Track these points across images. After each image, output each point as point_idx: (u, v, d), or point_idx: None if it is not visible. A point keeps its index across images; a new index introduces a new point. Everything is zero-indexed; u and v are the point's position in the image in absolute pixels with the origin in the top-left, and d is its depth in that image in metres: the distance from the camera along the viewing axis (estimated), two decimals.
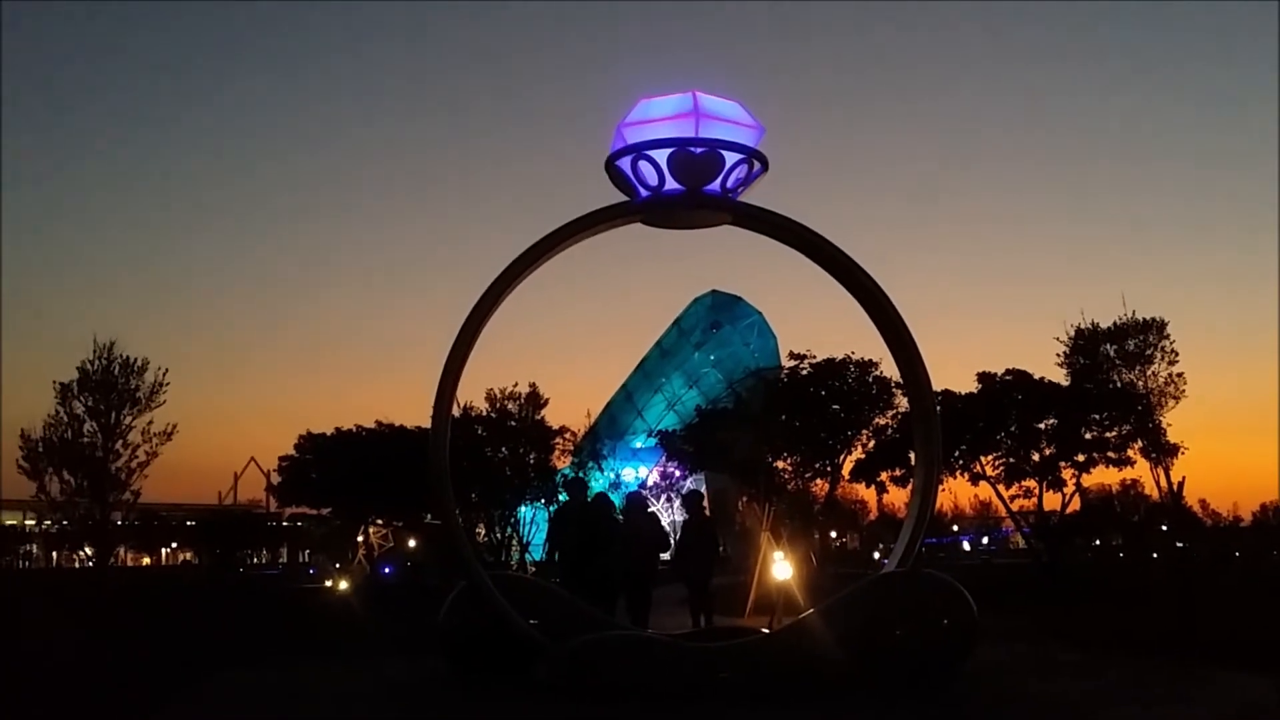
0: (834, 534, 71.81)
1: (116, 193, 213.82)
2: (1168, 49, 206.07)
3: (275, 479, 49.69)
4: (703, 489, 44.98)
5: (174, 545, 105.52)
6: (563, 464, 44.25)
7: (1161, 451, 34.14)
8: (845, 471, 32.43)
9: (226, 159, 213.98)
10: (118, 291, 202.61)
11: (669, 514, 57.31)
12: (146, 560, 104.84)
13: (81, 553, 75.01)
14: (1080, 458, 30.15)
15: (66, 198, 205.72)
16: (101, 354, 39.93)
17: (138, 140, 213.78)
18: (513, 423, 42.02)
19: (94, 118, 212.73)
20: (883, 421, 30.42)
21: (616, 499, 20.79)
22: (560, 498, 38.52)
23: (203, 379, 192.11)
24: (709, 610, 14.85)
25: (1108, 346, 35.02)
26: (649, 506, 16.59)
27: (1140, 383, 34.39)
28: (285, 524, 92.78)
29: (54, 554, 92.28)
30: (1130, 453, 31.25)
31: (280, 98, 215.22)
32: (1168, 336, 35.12)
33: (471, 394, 42.98)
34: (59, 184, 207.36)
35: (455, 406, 27.27)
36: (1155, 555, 50.96)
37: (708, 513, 17.66)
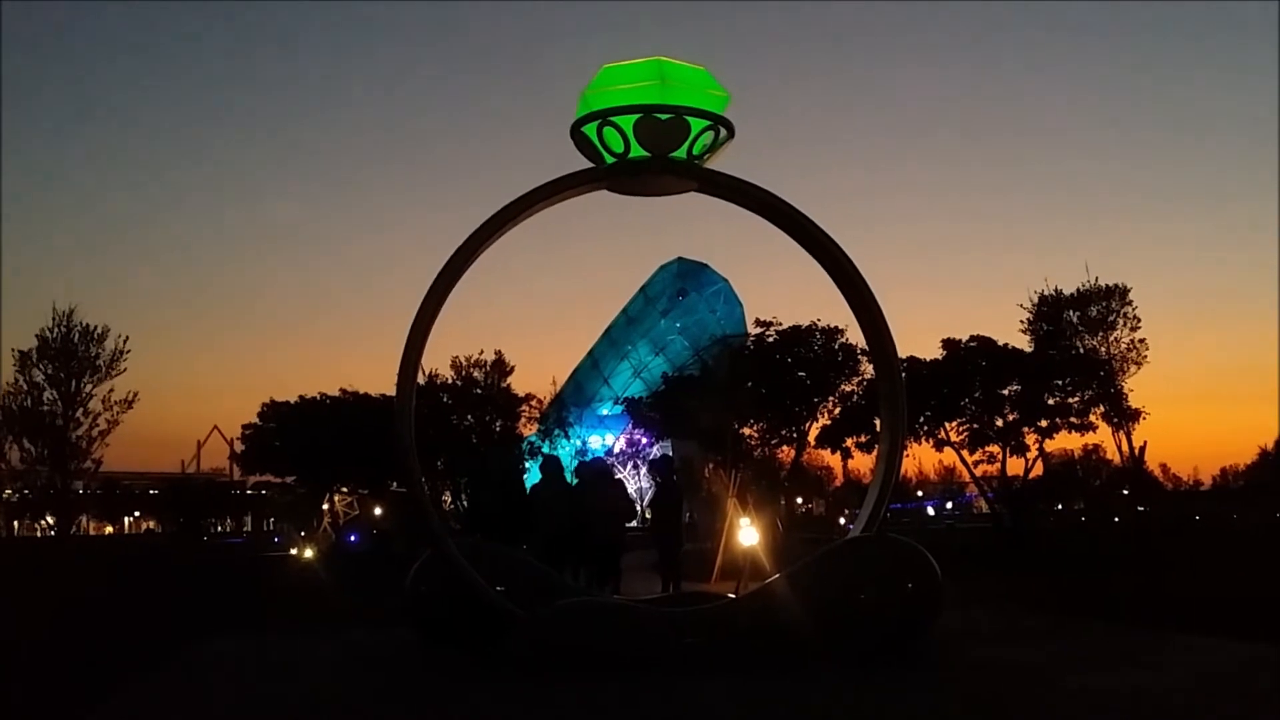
0: (800, 499, 72.23)
1: (80, 161, 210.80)
2: (1130, 19, 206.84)
3: (239, 447, 49.56)
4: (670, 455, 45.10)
5: (137, 514, 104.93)
6: (529, 431, 44.34)
7: (1123, 417, 34.58)
8: (811, 438, 32.64)
9: (193, 130, 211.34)
10: (79, 258, 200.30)
11: (635, 480, 57.47)
12: (109, 529, 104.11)
13: (43, 522, 74.46)
14: (1043, 423, 30.48)
15: (28, 165, 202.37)
16: (61, 321, 39.63)
17: (103, 109, 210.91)
18: (478, 390, 42.00)
19: (59, 87, 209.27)
20: (848, 388, 30.61)
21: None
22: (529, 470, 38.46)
23: (165, 347, 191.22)
24: (677, 576, 14.92)
25: (1071, 313, 35.39)
26: (615, 474, 16.57)
27: (1103, 349, 34.78)
28: (249, 492, 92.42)
29: (14, 523, 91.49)
30: (1092, 418, 31.64)
31: (249, 72, 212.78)
32: (1130, 303, 35.59)
33: (437, 362, 42.95)
34: (20, 151, 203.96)
35: (421, 375, 27.14)
36: (1117, 519, 51.54)
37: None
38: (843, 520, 63.33)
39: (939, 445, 31.59)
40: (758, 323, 31.45)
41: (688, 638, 9.62)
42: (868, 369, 28.57)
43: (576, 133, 10.51)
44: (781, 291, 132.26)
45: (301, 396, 43.67)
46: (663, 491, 15.72)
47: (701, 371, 36.95)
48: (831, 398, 30.89)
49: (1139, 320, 35.52)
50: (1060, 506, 66.76)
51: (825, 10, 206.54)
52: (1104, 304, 35.34)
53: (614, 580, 13.76)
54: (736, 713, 7.68)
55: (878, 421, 21.99)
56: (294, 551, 34.07)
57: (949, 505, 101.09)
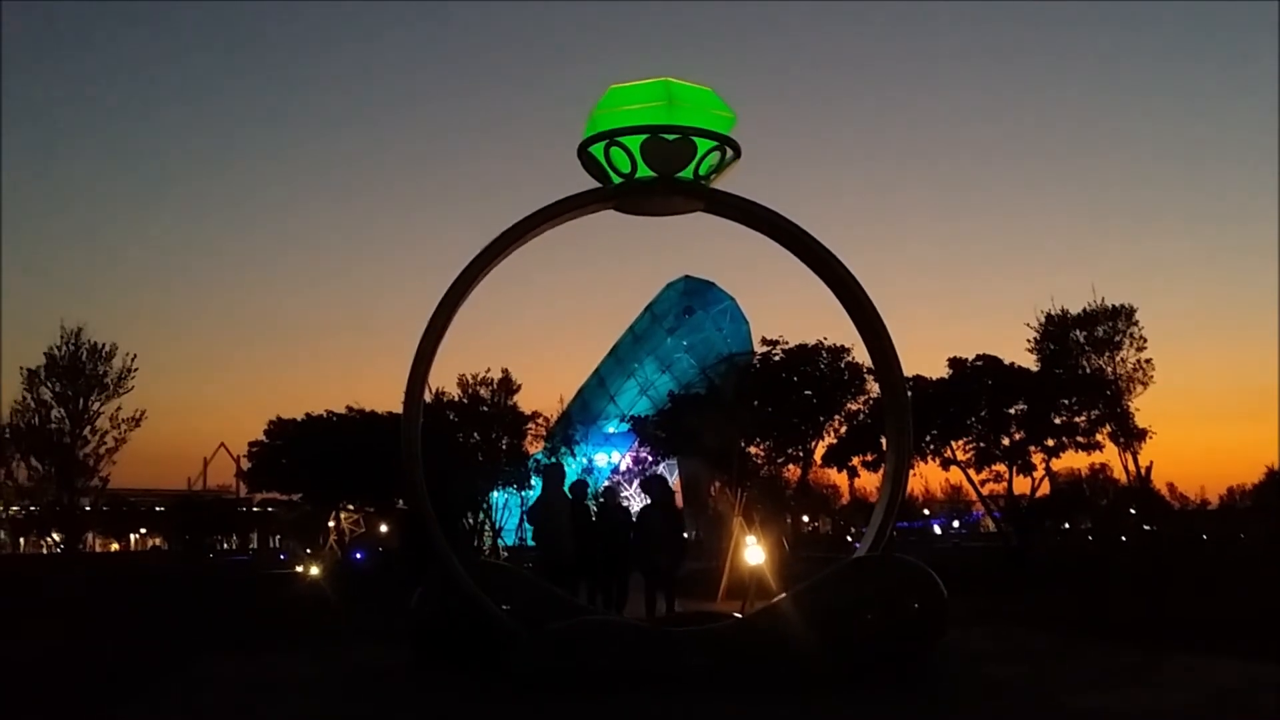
0: (806, 518, 71.98)
1: (88, 179, 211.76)
2: (1136, 40, 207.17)
3: (245, 464, 49.39)
4: (674, 474, 45.04)
5: (143, 531, 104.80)
6: (535, 449, 44.17)
7: (1130, 436, 34.47)
8: (817, 457, 32.54)
9: (200, 148, 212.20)
10: (87, 277, 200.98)
11: (639, 499, 57.29)
12: (115, 546, 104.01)
13: (49, 538, 74.45)
14: (1050, 442, 30.39)
15: (37, 183, 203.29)
16: (69, 339, 39.59)
17: (111, 128, 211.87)
18: (485, 408, 41.90)
19: (66, 104, 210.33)
20: (855, 407, 30.52)
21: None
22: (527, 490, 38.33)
23: (173, 365, 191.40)
24: (669, 594, 14.85)
25: (1077, 333, 35.31)
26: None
27: (1109, 368, 34.70)
28: (255, 509, 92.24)
29: (21, 540, 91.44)
30: (1099, 437, 31.54)
31: (256, 90, 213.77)
32: (1136, 323, 35.45)
33: (444, 380, 42.84)
34: (30, 170, 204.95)
35: (427, 392, 27.17)
36: (1124, 539, 51.34)
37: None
38: (850, 539, 63.17)
39: (945, 464, 31.52)
40: (764, 341, 31.38)
41: (694, 657, 9.62)
42: (874, 387, 28.54)
43: (584, 153, 10.58)
44: (788, 310, 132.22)
45: (308, 414, 43.52)
46: (656, 509, 15.70)
47: (708, 390, 36.83)
48: (838, 416, 30.82)
49: (1145, 340, 35.45)
50: (1067, 525, 66.46)
51: (832, 31, 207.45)
52: (1110, 324, 35.26)
53: (620, 599, 13.76)
54: None
55: (884, 440, 21.98)
56: (300, 569, 33.99)
57: (955, 524, 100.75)
